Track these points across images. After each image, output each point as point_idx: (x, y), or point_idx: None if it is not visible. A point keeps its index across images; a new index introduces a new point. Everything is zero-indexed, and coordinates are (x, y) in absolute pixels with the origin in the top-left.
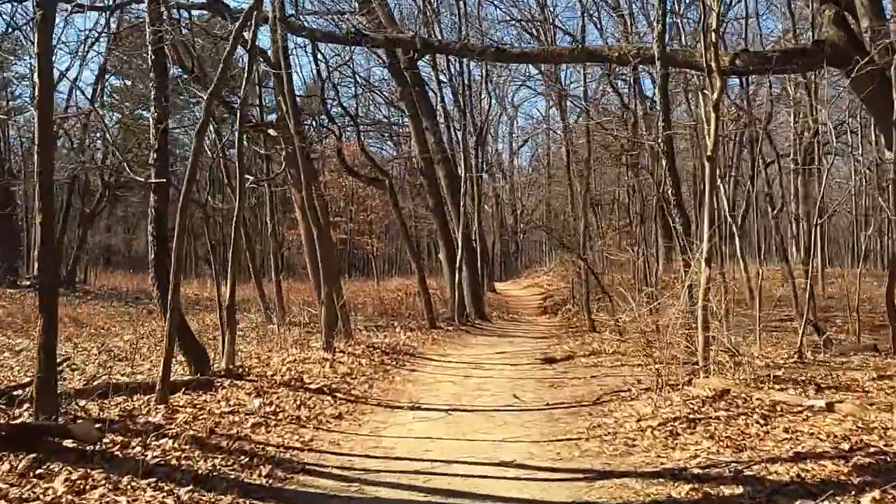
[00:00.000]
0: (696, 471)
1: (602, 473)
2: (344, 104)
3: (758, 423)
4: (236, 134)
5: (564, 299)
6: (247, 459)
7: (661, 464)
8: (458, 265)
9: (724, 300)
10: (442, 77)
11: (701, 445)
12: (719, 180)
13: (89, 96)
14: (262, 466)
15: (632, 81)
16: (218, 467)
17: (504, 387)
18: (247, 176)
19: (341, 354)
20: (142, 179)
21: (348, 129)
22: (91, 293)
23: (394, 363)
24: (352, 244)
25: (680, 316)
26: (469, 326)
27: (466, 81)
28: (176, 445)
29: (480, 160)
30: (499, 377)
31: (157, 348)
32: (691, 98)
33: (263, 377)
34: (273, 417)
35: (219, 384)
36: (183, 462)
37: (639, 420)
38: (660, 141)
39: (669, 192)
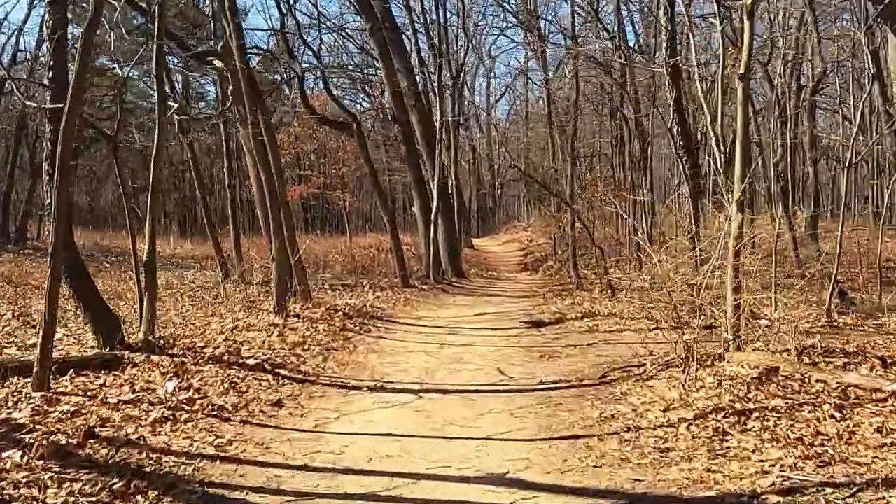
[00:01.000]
0: (775, 499)
1: (634, 499)
2: (309, 43)
3: (833, 417)
4: (154, 48)
5: (546, 255)
6: (126, 480)
7: (717, 483)
8: (433, 218)
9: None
10: (417, 24)
11: (766, 454)
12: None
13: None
14: (147, 491)
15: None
16: (76, 497)
17: (487, 358)
18: (171, 103)
19: (295, 320)
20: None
21: (314, 72)
22: (42, 250)
23: (358, 328)
24: (324, 199)
25: (711, 274)
26: (445, 285)
27: (442, 22)
28: (24, 462)
29: (457, 106)
30: (480, 345)
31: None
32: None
33: (191, 350)
34: (187, 407)
35: (129, 361)
36: (23, 490)
37: (666, 409)
38: (668, 66)
39: (675, 129)
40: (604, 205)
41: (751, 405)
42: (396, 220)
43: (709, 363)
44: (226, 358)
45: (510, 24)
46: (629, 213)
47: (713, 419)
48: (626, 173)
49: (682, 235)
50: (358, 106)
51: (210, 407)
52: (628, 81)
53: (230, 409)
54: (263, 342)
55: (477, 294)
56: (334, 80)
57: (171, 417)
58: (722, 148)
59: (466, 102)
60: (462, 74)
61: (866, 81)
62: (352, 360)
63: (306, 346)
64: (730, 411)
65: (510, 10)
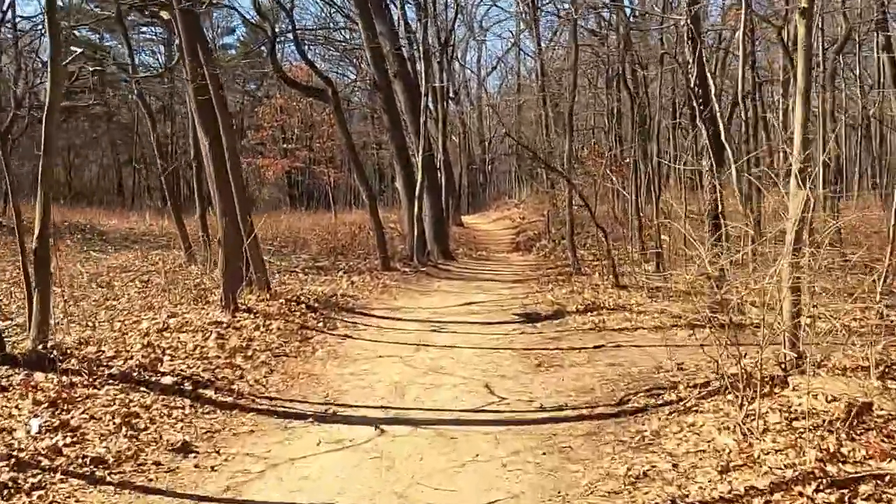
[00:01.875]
0: None
1: None
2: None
3: None
4: None
5: (539, 234)
6: None
7: None
8: (417, 194)
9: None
10: None
11: None
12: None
13: None
14: None
15: None
16: None
17: (472, 367)
18: (73, 48)
19: (246, 316)
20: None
21: (289, 36)
22: (3, 226)
23: (322, 325)
24: (310, 174)
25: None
26: (430, 267)
27: None
28: None
29: (445, 74)
30: (464, 346)
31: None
32: None
33: (93, 363)
34: (48, 461)
35: None
36: None
37: (724, 471)
38: (687, 19)
39: (695, 90)
40: (603, 181)
41: (850, 468)
42: (376, 197)
43: (766, 390)
44: (136, 374)
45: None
46: (631, 189)
47: (800, 493)
48: (625, 146)
49: (705, 216)
50: (345, 79)
51: (82, 459)
52: (631, 44)
53: (112, 460)
54: (195, 348)
55: (465, 278)
56: (319, 50)
57: (10, 484)
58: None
59: (456, 75)
60: (451, 39)
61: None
62: (304, 371)
63: (249, 353)
64: (823, 481)
65: None
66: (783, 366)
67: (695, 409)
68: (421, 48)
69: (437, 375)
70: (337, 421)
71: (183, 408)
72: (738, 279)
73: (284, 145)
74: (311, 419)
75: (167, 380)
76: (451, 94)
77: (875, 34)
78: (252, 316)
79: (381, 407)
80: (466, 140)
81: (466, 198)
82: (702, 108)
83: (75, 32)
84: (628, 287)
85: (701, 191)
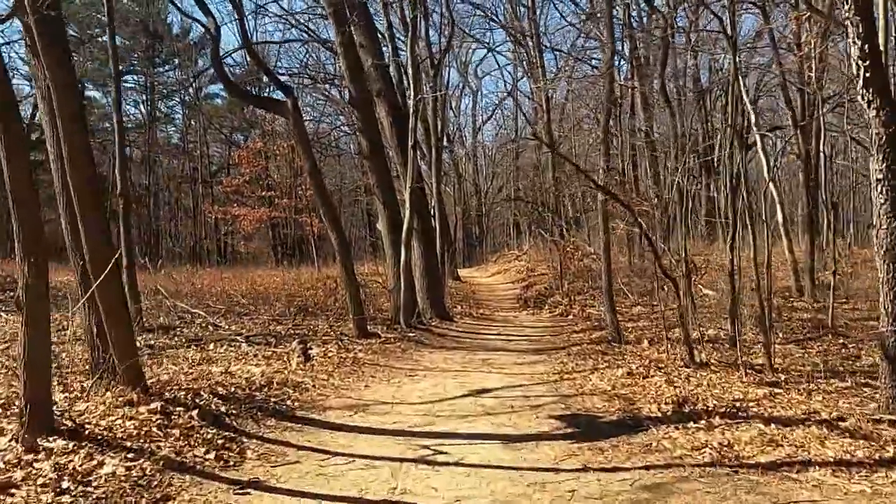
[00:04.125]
0: None
1: None
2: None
3: None
4: None
5: (549, 288)
6: None
7: None
8: (404, 237)
9: None
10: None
11: None
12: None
13: None
14: None
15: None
16: None
17: None
18: None
19: (63, 447)
20: None
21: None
22: None
23: (212, 456)
24: (296, 225)
25: None
26: (421, 331)
27: None
28: None
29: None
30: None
31: None
32: None
33: None
34: None
35: None
36: None
37: None
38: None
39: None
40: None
41: None
42: (346, 239)
43: None
44: None
45: (497, 46)
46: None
47: None
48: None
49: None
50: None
51: None
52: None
53: None
54: None
55: (466, 346)
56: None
57: None
58: None
59: (451, 125)
60: (445, 55)
61: None
62: None
63: None
64: None
65: (499, 21)
66: None
67: None
68: (408, 54)
69: None
70: None
71: None
72: None
73: (263, 193)
74: None
75: None
76: (444, 141)
77: None
78: (75, 448)
79: None
80: (462, 190)
81: (462, 250)
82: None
83: None
84: (710, 364)
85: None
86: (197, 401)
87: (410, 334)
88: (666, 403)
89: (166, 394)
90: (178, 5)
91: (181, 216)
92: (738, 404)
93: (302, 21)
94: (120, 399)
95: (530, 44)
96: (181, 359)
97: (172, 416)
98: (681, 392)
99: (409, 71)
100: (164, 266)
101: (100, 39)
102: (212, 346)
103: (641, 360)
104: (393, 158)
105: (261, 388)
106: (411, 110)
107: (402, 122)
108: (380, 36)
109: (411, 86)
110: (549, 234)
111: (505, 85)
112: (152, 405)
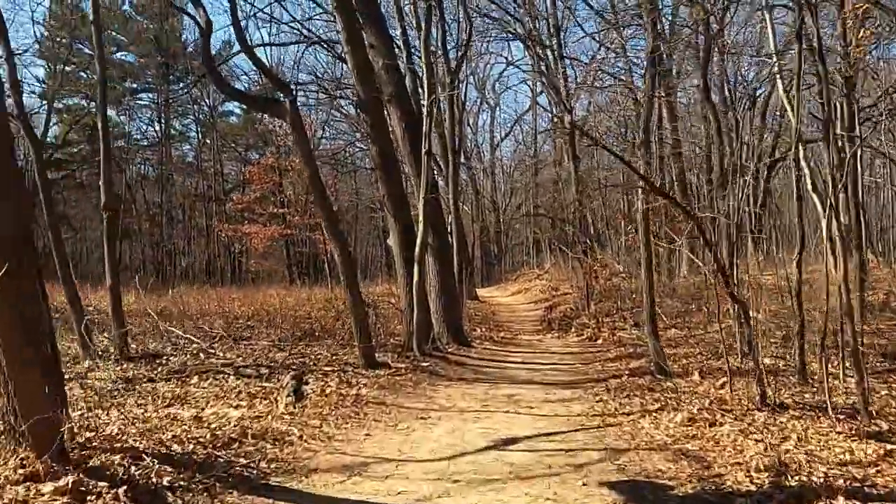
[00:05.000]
0: None
1: None
2: None
3: None
4: None
5: (575, 309)
6: None
7: None
8: (417, 253)
9: None
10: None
11: None
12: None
13: None
14: None
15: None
16: None
17: None
18: None
19: None
20: None
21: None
22: None
23: None
24: (311, 243)
25: None
26: (437, 359)
27: None
28: None
29: (456, 105)
30: None
31: None
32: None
33: None
34: None
35: None
36: None
37: None
38: None
39: None
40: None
41: None
42: (351, 252)
43: None
44: None
45: (517, 61)
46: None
47: None
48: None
49: None
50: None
51: None
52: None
53: None
54: None
55: (487, 377)
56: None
57: None
58: None
59: (468, 142)
60: (464, 62)
61: None
62: None
63: None
64: None
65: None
66: None
67: None
68: (423, 52)
69: None
70: None
71: None
72: None
73: (276, 210)
74: None
75: None
76: (461, 156)
77: None
78: None
79: None
80: (479, 207)
81: (481, 269)
82: None
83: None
84: (787, 406)
85: None
86: (134, 469)
87: (424, 363)
88: (757, 471)
89: (93, 460)
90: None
91: (195, 235)
92: (852, 471)
93: (306, 26)
94: (20, 472)
95: (550, 56)
96: (152, 397)
97: (89, 498)
98: (767, 449)
99: (423, 69)
100: (167, 286)
101: (115, 57)
102: (195, 379)
103: (700, 400)
104: (407, 171)
105: (230, 444)
106: (425, 112)
107: (415, 129)
108: (393, 40)
109: (425, 85)
110: (571, 251)
111: (522, 97)
112: (63, 481)
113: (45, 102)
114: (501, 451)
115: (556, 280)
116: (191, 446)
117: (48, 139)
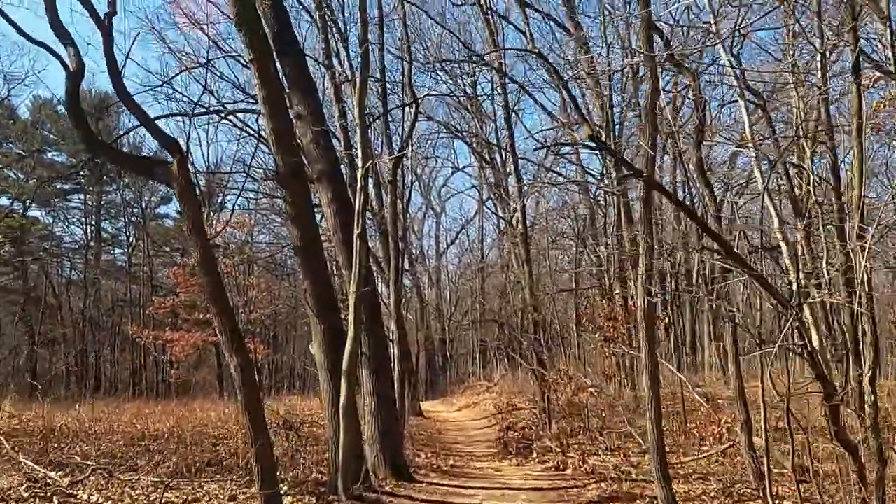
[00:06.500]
0: None
1: None
2: None
3: None
4: None
5: (533, 427)
6: None
7: None
8: (346, 364)
9: None
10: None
11: None
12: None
13: None
14: None
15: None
16: None
17: None
18: None
19: None
20: None
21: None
22: None
23: None
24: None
25: None
26: None
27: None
28: None
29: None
30: None
31: None
32: None
33: None
34: None
35: None
36: None
37: None
38: None
39: None
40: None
41: None
42: (249, 353)
43: None
44: None
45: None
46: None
47: None
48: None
49: None
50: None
51: None
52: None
53: None
54: None
55: None
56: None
57: None
58: None
59: (413, 249)
60: (410, 143)
61: None
62: None
63: None
64: None
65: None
66: None
67: None
68: (357, 109)
69: None
70: None
71: None
72: None
73: (200, 315)
74: None
75: None
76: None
77: None
78: None
79: None
80: (425, 315)
81: (426, 380)
82: None
83: None
84: None
85: None
86: None
87: None
88: None
89: None
90: (28, 33)
91: (119, 342)
92: None
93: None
94: None
95: (498, 160)
96: None
97: None
98: None
99: (358, 130)
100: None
101: (46, 156)
102: None
103: None
104: (340, 262)
105: None
106: (359, 185)
107: (348, 213)
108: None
109: (359, 149)
110: (525, 361)
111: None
112: None
113: None
114: None
115: (508, 393)
116: None
117: None
